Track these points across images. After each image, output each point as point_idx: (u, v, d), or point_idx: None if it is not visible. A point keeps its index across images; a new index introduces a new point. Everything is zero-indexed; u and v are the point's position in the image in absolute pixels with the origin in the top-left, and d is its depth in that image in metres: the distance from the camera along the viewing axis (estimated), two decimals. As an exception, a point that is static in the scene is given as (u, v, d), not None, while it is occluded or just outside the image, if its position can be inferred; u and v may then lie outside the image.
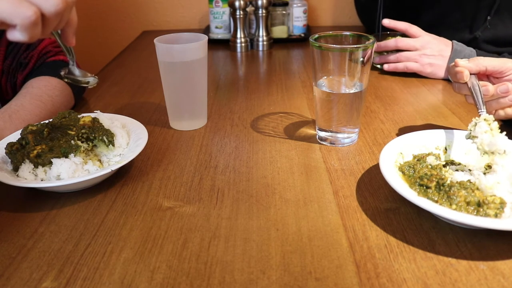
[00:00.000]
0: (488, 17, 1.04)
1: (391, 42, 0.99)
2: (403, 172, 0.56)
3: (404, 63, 1.00)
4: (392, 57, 1.01)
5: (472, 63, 0.66)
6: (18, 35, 0.45)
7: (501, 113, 0.67)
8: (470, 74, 0.65)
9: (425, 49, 0.98)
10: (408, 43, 0.98)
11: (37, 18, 0.45)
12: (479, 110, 0.60)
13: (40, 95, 0.78)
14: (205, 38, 0.73)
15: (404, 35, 1.03)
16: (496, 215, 0.48)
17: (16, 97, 0.76)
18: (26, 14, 0.44)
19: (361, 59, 0.63)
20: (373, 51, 0.64)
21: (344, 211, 0.53)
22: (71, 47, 0.57)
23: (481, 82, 0.65)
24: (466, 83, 0.65)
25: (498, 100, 0.66)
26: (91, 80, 0.63)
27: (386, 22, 0.99)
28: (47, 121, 0.64)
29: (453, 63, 0.68)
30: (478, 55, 0.93)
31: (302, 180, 0.60)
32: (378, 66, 1.07)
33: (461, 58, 0.96)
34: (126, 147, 0.65)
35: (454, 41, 0.97)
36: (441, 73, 0.98)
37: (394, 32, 1.06)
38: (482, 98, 0.62)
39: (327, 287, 0.42)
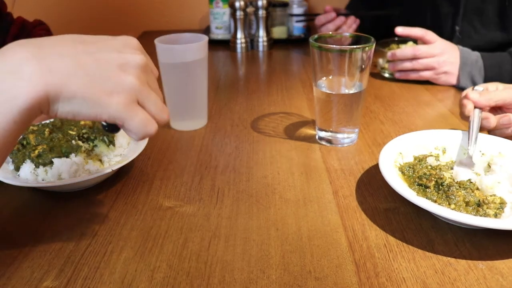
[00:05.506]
0: (456, 27, 1.02)
1: (408, 51, 0.92)
2: (402, 172, 0.56)
3: (418, 73, 0.94)
4: (408, 64, 0.94)
5: (482, 98, 0.64)
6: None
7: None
8: (477, 107, 0.64)
9: (443, 56, 0.92)
10: (427, 51, 0.91)
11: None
12: (468, 147, 0.59)
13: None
14: (205, 38, 0.73)
15: (404, 41, 1.00)
16: (496, 215, 0.48)
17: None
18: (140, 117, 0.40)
19: (360, 63, 0.63)
20: (372, 53, 0.64)
21: (344, 211, 0.54)
22: None
23: (484, 114, 0.64)
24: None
25: (502, 131, 0.64)
26: None
27: (400, 30, 0.92)
28: (48, 121, 0.64)
29: (465, 93, 0.67)
30: (483, 58, 0.91)
31: (302, 180, 0.60)
32: (387, 75, 1.01)
33: (469, 65, 0.90)
34: (127, 147, 0.65)
35: (459, 46, 0.93)
36: (453, 80, 0.94)
37: (393, 39, 1.03)
38: (475, 136, 0.60)
39: (326, 286, 0.43)
